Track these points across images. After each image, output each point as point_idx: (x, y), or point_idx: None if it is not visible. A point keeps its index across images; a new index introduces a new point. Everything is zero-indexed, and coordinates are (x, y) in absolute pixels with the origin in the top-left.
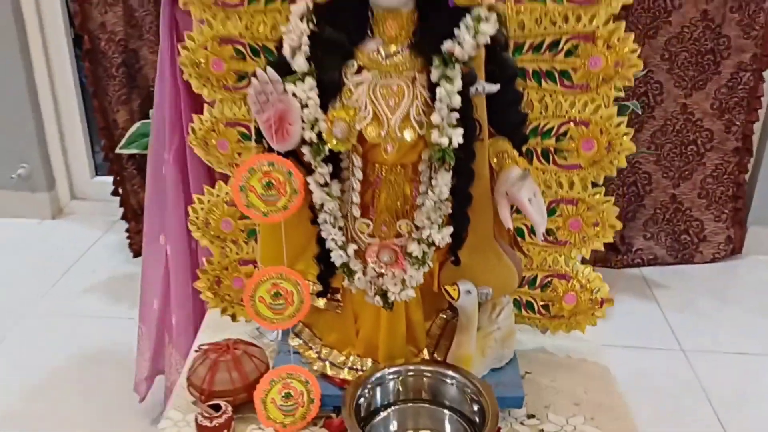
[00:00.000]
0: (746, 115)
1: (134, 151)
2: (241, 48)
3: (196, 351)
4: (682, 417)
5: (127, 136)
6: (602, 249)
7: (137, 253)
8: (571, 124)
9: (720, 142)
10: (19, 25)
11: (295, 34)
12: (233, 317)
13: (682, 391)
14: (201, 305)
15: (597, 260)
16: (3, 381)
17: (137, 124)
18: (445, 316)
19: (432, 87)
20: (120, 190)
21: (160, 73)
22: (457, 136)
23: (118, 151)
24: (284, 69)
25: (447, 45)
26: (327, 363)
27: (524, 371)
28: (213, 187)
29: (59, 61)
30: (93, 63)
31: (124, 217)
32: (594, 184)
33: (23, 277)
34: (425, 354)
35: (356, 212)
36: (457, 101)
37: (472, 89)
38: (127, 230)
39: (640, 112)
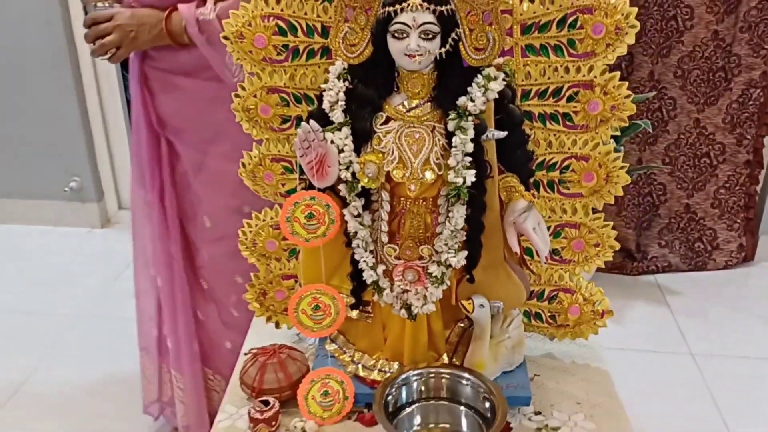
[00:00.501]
0: (757, 129)
1: None
2: (285, 96)
3: (246, 354)
4: (689, 418)
5: None
6: (603, 267)
7: None
8: (573, 159)
9: (732, 154)
10: (71, 49)
11: (333, 91)
12: (276, 324)
13: (690, 394)
14: (193, 329)
15: (613, 267)
16: (63, 380)
17: None
18: (462, 326)
19: (449, 135)
20: None
21: (135, 125)
22: (470, 176)
23: None
24: (324, 119)
25: (461, 100)
26: (359, 366)
27: (533, 374)
28: (194, 220)
29: (108, 84)
30: None
31: None
32: (594, 210)
33: (76, 281)
34: (444, 359)
35: (384, 238)
36: (470, 147)
37: (483, 136)
38: None
39: (650, 130)
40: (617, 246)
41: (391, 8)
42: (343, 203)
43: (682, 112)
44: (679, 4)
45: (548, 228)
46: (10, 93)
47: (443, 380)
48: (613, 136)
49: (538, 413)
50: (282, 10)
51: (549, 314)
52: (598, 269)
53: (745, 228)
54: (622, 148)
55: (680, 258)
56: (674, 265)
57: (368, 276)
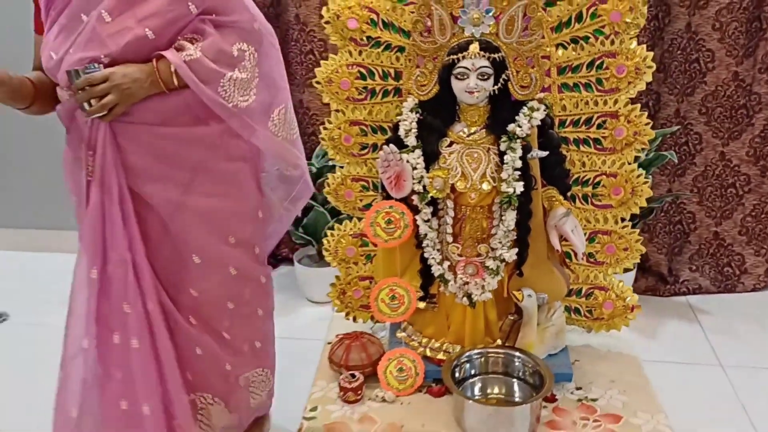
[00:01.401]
0: None
1: None
2: (364, 127)
3: (330, 343)
4: (720, 425)
5: None
6: (632, 268)
7: None
8: (604, 176)
9: (756, 185)
10: None
11: (408, 121)
12: (354, 319)
13: (720, 403)
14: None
15: (647, 289)
16: None
17: None
18: (512, 318)
19: (501, 154)
20: None
21: (101, 185)
22: (519, 186)
23: None
24: (400, 143)
25: (510, 127)
26: (427, 348)
27: (574, 359)
28: (179, 263)
29: None
30: None
31: None
32: (623, 219)
33: None
34: (498, 342)
35: (449, 239)
36: (518, 164)
37: (529, 155)
38: None
39: (676, 161)
40: (643, 250)
41: (455, 56)
42: (415, 211)
43: (708, 146)
44: (701, 48)
45: (584, 234)
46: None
47: (499, 358)
48: (641, 165)
49: (578, 388)
50: (363, 59)
51: (586, 309)
52: (635, 291)
53: None
54: (650, 177)
55: (710, 281)
56: (704, 287)
57: (436, 270)
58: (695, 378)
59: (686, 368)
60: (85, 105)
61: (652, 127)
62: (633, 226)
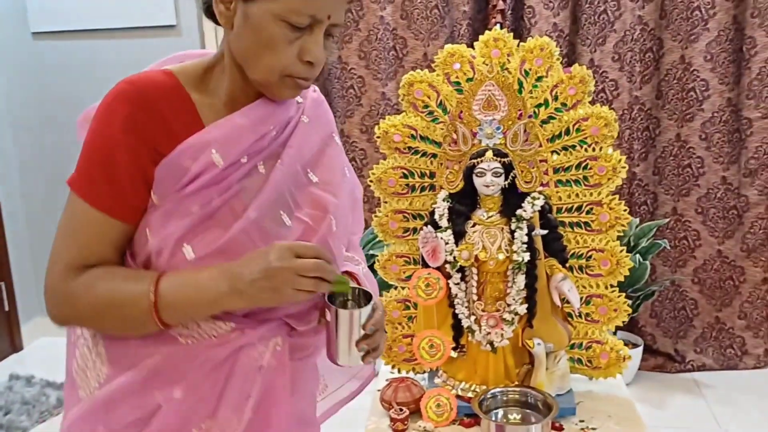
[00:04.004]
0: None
1: None
2: (406, 215)
3: (379, 390)
4: None
5: None
6: (621, 326)
7: None
8: (594, 251)
9: (751, 275)
10: None
11: (441, 209)
12: (398, 370)
13: None
14: None
15: (656, 367)
16: None
17: None
18: (527, 366)
19: (512, 232)
20: None
21: None
22: (526, 256)
23: None
24: (435, 226)
25: (518, 212)
26: (459, 389)
27: (578, 401)
28: None
29: None
30: None
31: None
32: (612, 285)
33: None
34: (516, 383)
35: (474, 298)
36: (525, 239)
37: (533, 233)
38: None
39: (669, 248)
40: (629, 310)
41: (475, 160)
42: (448, 276)
43: (705, 243)
44: (695, 78)
45: (581, 297)
46: None
47: (517, 393)
48: (637, 253)
49: (581, 421)
50: (405, 163)
51: (587, 359)
52: (644, 368)
53: None
54: (648, 263)
55: (714, 360)
56: (708, 365)
57: (465, 323)
58: None
59: None
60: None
61: (651, 146)
62: (635, 305)
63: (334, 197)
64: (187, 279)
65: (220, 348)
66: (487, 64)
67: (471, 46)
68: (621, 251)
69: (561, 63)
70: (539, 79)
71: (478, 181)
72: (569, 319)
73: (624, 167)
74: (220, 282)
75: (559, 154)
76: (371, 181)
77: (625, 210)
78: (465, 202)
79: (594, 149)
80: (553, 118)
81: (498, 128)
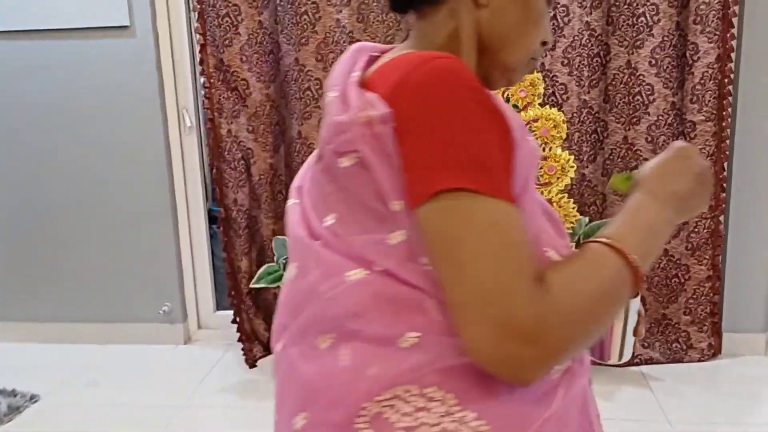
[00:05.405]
0: (713, 250)
1: (262, 285)
2: None
3: None
4: None
5: (257, 276)
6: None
7: (252, 365)
8: None
9: (695, 273)
10: (172, 203)
11: None
12: None
13: None
14: None
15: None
16: None
17: (264, 267)
18: None
19: None
20: (237, 319)
21: None
22: None
23: (251, 286)
24: None
25: None
26: None
27: None
28: None
29: (197, 229)
30: (226, 228)
31: (239, 340)
32: None
33: (165, 390)
34: None
35: None
36: None
37: None
38: (242, 349)
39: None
40: None
41: None
42: None
43: None
44: (641, 82)
45: None
46: (120, 236)
47: None
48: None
49: None
50: None
51: None
52: (594, 362)
53: (712, 330)
54: None
55: (660, 353)
56: (655, 359)
57: None
58: None
59: (637, 426)
60: None
61: (600, 148)
62: None
63: None
64: (636, 230)
65: (584, 378)
66: None
67: None
68: (570, 247)
69: None
70: None
71: None
72: None
73: (572, 167)
74: (662, 213)
75: None
76: None
77: (573, 208)
78: None
79: (544, 149)
80: None
81: None
